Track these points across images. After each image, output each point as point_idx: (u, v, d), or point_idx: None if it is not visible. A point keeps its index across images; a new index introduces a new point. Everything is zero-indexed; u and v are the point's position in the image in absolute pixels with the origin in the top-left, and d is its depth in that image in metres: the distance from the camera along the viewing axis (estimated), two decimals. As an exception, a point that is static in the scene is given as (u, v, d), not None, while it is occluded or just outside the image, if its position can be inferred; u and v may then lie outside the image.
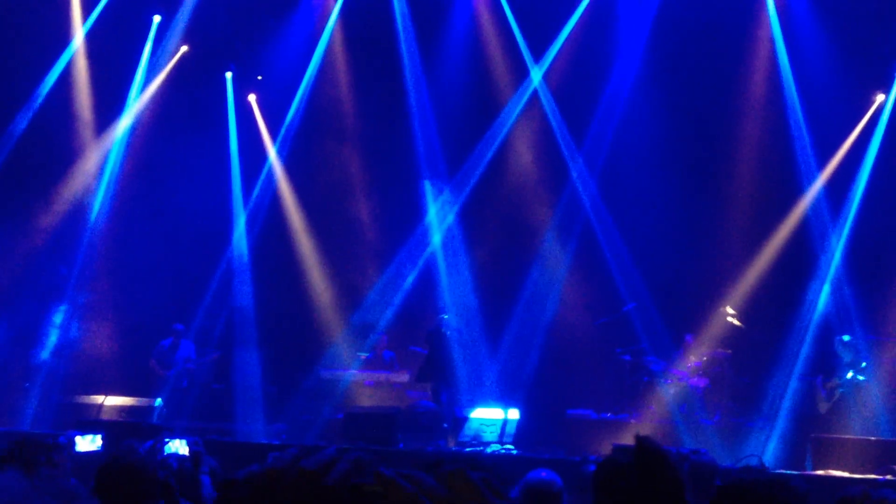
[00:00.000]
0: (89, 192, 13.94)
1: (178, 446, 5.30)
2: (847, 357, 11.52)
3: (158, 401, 11.54)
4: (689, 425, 11.80)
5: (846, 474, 9.00)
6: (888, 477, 8.69)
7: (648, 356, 12.73)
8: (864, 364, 11.41)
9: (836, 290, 12.83)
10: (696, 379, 12.27)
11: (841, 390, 11.29)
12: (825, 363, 11.81)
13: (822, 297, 12.78)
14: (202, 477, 5.34)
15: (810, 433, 10.59)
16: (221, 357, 13.73)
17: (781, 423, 11.72)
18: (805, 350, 12.37)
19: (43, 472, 4.14)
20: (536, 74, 14.08)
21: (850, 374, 11.28)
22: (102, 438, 5.55)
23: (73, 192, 13.81)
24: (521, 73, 14.11)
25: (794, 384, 12.12)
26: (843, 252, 12.97)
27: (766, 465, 9.69)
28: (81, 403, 11.53)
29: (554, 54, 13.95)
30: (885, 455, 9.42)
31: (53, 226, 13.58)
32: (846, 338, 11.65)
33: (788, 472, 9.43)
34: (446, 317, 12.53)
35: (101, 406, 11.39)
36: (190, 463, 5.29)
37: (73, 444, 5.62)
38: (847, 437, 10.31)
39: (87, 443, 5.58)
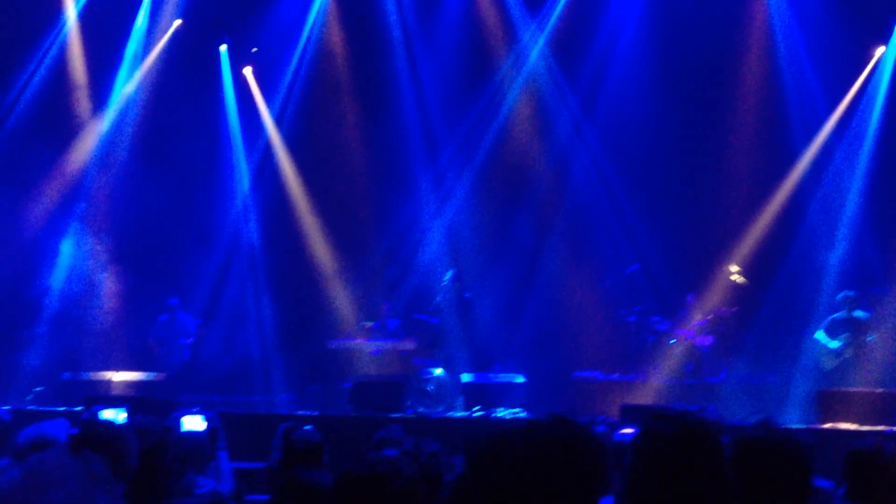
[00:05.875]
0: (87, 168, 13.89)
1: (195, 421, 5.29)
2: (842, 313, 11.55)
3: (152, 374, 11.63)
4: (696, 383, 11.85)
5: (854, 427, 9.04)
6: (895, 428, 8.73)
7: (653, 316, 12.76)
8: (859, 317, 11.45)
9: (845, 245, 12.82)
10: (701, 337, 12.30)
11: (850, 346, 11.33)
12: (827, 320, 11.84)
13: (836, 250, 12.77)
14: (219, 452, 5.35)
15: (818, 388, 10.64)
16: (227, 330, 13.78)
17: (790, 379, 11.75)
18: (820, 304, 12.36)
19: (86, 455, 4.14)
20: (533, 30, 13.96)
21: (869, 335, 11.32)
22: (127, 412, 5.52)
23: (71, 169, 13.77)
24: (519, 28, 14.01)
25: (804, 340, 12.13)
26: (856, 206, 12.95)
27: (775, 420, 9.75)
28: (89, 380, 11.55)
29: (550, 8, 13.84)
30: (892, 406, 9.45)
31: (52, 202, 13.56)
32: (840, 295, 11.67)
33: (796, 426, 9.46)
34: (448, 277, 12.50)
35: (109, 382, 11.42)
36: (207, 438, 5.30)
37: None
38: (854, 389, 10.35)
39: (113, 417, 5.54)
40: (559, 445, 1.92)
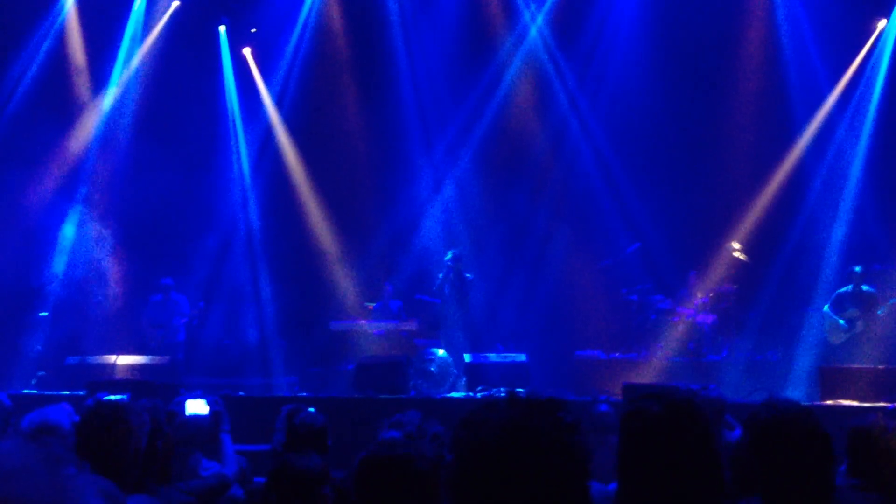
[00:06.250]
0: (88, 151, 13.88)
1: (198, 405, 5.30)
2: (850, 287, 11.57)
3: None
4: (698, 362, 11.86)
5: (856, 403, 9.06)
6: (898, 405, 8.75)
7: (655, 295, 12.76)
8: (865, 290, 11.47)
9: (847, 221, 12.82)
10: (702, 315, 12.30)
11: (860, 321, 11.35)
12: (835, 294, 11.86)
13: (838, 226, 12.77)
14: (223, 435, 5.37)
15: (820, 365, 10.67)
16: (229, 312, 13.79)
17: (792, 357, 11.77)
18: (822, 281, 12.38)
19: (44, 440, 4.12)
20: (533, 10, 13.92)
21: (879, 309, 11.35)
22: (129, 398, 5.50)
23: (73, 152, 13.75)
24: (518, 7, 13.96)
25: (806, 317, 12.16)
26: (858, 181, 12.94)
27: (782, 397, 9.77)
28: (94, 364, 11.55)
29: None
30: (894, 383, 9.46)
31: (54, 186, 13.55)
32: (849, 270, 11.72)
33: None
34: (449, 257, 12.49)
35: (114, 365, 11.43)
36: (210, 422, 5.31)
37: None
38: (855, 366, 10.37)
39: None
40: (534, 420, 1.91)
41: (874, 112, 13.03)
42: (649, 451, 2.37)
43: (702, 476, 2.35)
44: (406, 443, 3.78)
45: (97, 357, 11.75)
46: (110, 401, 4.05)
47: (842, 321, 11.50)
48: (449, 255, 12.47)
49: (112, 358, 11.60)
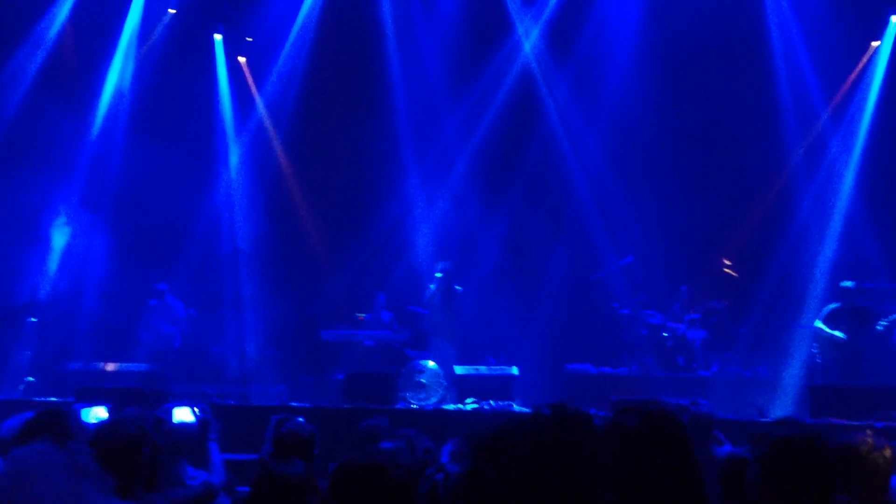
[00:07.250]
0: (82, 157, 13.86)
1: (185, 413, 5.28)
2: (843, 303, 11.53)
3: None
4: (688, 377, 11.87)
5: (845, 421, 9.06)
6: (886, 423, 8.77)
7: (646, 310, 12.77)
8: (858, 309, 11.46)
9: (838, 237, 12.85)
10: (693, 331, 12.32)
11: (856, 337, 11.33)
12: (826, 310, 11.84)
13: (829, 243, 12.80)
14: (210, 444, 5.35)
15: (809, 382, 10.67)
16: (221, 320, 13.76)
17: (781, 373, 11.77)
18: (813, 297, 12.39)
19: (71, 446, 4.12)
20: (528, 28, 13.98)
21: (877, 325, 11.33)
22: (108, 410, 5.42)
23: (66, 158, 13.73)
24: (513, 18, 14.03)
25: (797, 333, 12.15)
26: (849, 198, 13.00)
27: (765, 414, 9.79)
28: (83, 370, 11.49)
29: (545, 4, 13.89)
30: (883, 401, 9.47)
31: (46, 190, 13.52)
32: (841, 286, 11.70)
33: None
34: (438, 272, 12.48)
35: (104, 372, 11.38)
36: (197, 430, 5.29)
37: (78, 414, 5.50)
38: (844, 384, 10.37)
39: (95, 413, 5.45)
40: (567, 436, 1.91)
41: (866, 130, 13.11)
42: (627, 463, 2.38)
43: (680, 489, 2.35)
44: (384, 452, 3.78)
45: (88, 363, 11.70)
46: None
47: (838, 333, 11.36)
48: (439, 268, 12.46)
49: (102, 364, 11.55)
